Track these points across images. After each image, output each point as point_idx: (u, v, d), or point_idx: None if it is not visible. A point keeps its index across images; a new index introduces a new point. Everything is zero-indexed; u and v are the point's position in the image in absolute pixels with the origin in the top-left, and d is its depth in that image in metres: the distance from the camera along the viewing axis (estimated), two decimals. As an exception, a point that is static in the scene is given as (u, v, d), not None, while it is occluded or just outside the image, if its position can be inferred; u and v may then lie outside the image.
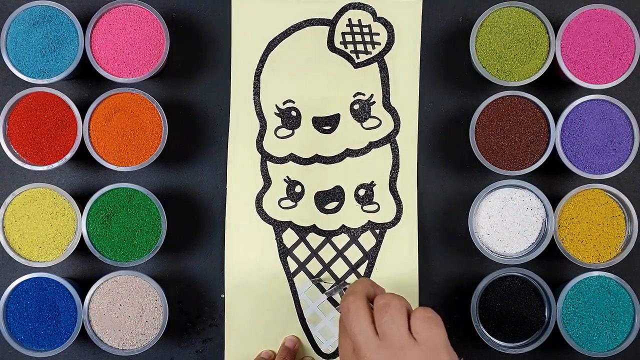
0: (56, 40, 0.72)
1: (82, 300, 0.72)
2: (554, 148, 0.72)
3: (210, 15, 0.76)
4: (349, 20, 0.76)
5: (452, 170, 0.76)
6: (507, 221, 0.73)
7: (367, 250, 0.76)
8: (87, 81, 0.76)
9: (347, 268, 0.75)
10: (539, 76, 0.72)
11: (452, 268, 0.76)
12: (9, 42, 0.72)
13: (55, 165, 0.71)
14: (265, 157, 0.76)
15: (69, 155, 0.71)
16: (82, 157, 0.73)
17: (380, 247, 0.75)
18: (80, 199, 0.73)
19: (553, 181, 0.76)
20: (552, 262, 0.75)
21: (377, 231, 0.75)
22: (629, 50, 0.72)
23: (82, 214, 0.71)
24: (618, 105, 0.72)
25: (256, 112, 0.76)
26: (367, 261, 0.76)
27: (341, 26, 0.76)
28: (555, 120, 0.72)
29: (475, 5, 0.76)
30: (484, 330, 0.72)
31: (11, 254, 0.72)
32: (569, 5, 0.76)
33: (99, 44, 0.72)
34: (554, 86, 0.76)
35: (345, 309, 0.56)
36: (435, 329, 0.54)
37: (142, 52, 0.73)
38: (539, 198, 0.73)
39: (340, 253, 0.75)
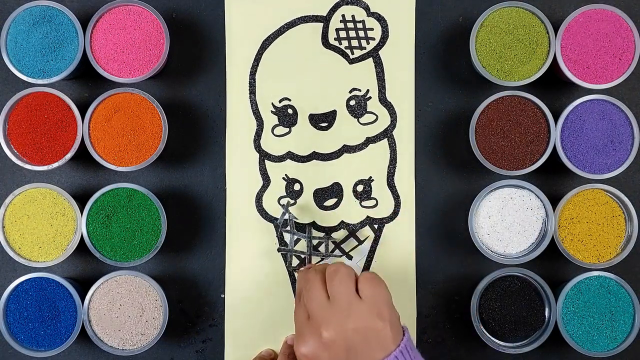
0: (56, 40, 0.72)
1: (82, 300, 0.72)
2: (554, 148, 0.72)
3: (211, 15, 0.76)
4: (343, 16, 0.76)
5: (452, 170, 0.76)
6: (507, 221, 0.73)
7: (365, 245, 0.76)
8: (87, 81, 0.76)
9: (347, 263, 0.75)
10: (539, 76, 0.72)
11: (452, 268, 0.76)
12: (9, 42, 0.72)
13: (55, 165, 0.71)
14: (263, 155, 0.76)
15: (69, 155, 0.71)
16: (82, 157, 0.73)
17: (379, 242, 0.75)
18: (80, 199, 0.73)
19: (553, 181, 0.76)
20: (552, 262, 0.75)
21: (376, 226, 0.76)
22: (629, 50, 0.72)
23: (82, 214, 0.71)
24: (618, 105, 0.72)
25: (252, 111, 0.76)
26: (366, 255, 0.76)
27: (335, 22, 0.76)
28: (555, 120, 0.72)
29: (475, 5, 0.76)
30: (484, 330, 0.72)
31: (11, 254, 0.72)
32: (569, 5, 0.76)
33: (99, 44, 0.72)
34: (554, 86, 0.76)
35: (303, 280, 0.63)
36: (378, 288, 0.61)
37: (142, 52, 0.73)
38: (539, 198, 0.73)
39: (339, 248, 0.76)
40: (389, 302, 0.61)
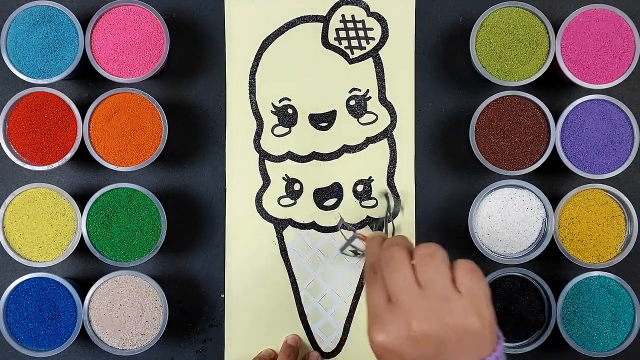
0: (56, 40, 0.72)
1: (82, 300, 0.72)
2: (554, 148, 0.72)
3: (211, 15, 0.76)
4: (343, 16, 0.76)
5: (452, 170, 0.76)
6: (507, 221, 0.73)
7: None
8: (87, 81, 0.76)
9: (346, 262, 0.76)
10: (539, 76, 0.72)
11: (452, 268, 0.76)
12: (9, 42, 0.72)
13: (55, 165, 0.71)
14: (263, 155, 0.76)
15: (69, 155, 0.71)
16: (82, 157, 0.73)
17: None
18: (80, 199, 0.73)
19: (553, 181, 0.76)
20: (552, 262, 0.75)
21: (376, 226, 0.76)
22: (629, 50, 0.72)
23: (82, 214, 0.71)
24: (618, 105, 0.72)
25: (252, 111, 0.76)
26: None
27: (335, 22, 0.76)
28: (555, 120, 0.72)
29: (475, 5, 0.76)
30: (484, 330, 0.72)
31: (11, 254, 0.72)
32: (569, 5, 0.76)
33: (99, 44, 0.72)
34: (554, 86, 0.76)
35: (389, 258, 0.54)
36: (479, 281, 0.53)
37: (142, 52, 0.72)
38: (539, 198, 0.73)
39: (339, 249, 0.75)
40: (489, 299, 0.53)
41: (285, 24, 0.76)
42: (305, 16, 0.76)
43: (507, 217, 0.73)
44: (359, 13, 0.76)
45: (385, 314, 0.51)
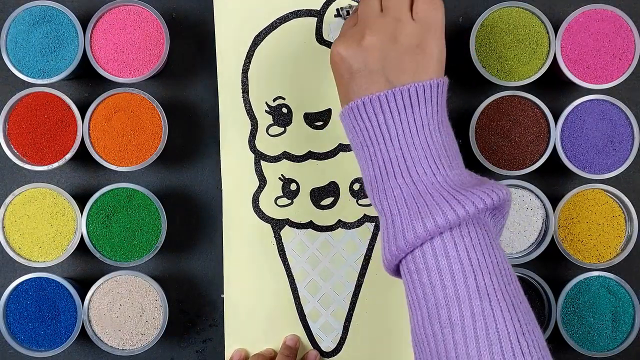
0: (56, 40, 0.72)
1: (82, 300, 0.72)
2: (554, 148, 0.72)
3: (211, 15, 0.76)
4: (337, 10, 0.75)
5: (452, 170, 0.76)
6: (507, 221, 0.73)
7: (362, 243, 0.76)
8: (87, 81, 0.76)
9: (344, 261, 0.76)
10: (539, 76, 0.72)
11: (452, 268, 0.76)
12: (9, 42, 0.72)
13: (55, 165, 0.71)
14: (259, 156, 0.76)
15: (69, 155, 0.71)
16: (82, 157, 0.73)
17: (376, 240, 0.75)
18: (80, 199, 0.73)
19: (553, 181, 0.76)
20: (552, 262, 0.75)
21: (373, 224, 0.75)
22: (629, 50, 0.72)
23: (82, 214, 0.72)
24: (618, 105, 0.72)
25: (246, 110, 0.76)
26: (364, 254, 0.76)
27: (329, 17, 0.75)
28: (555, 120, 0.72)
29: (475, 5, 0.76)
30: (484, 330, 0.72)
31: (11, 254, 0.72)
32: (569, 5, 0.76)
33: (99, 44, 0.72)
34: (554, 86, 0.76)
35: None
36: (436, 12, 0.58)
37: (142, 52, 0.72)
38: (539, 198, 0.73)
39: (337, 247, 0.75)
40: (441, 32, 0.58)
41: (277, 19, 0.75)
42: (298, 10, 0.75)
43: (507, 217, 0.73)
44: (354, 7, 0.75)
45: (348, 31, 0.59)
